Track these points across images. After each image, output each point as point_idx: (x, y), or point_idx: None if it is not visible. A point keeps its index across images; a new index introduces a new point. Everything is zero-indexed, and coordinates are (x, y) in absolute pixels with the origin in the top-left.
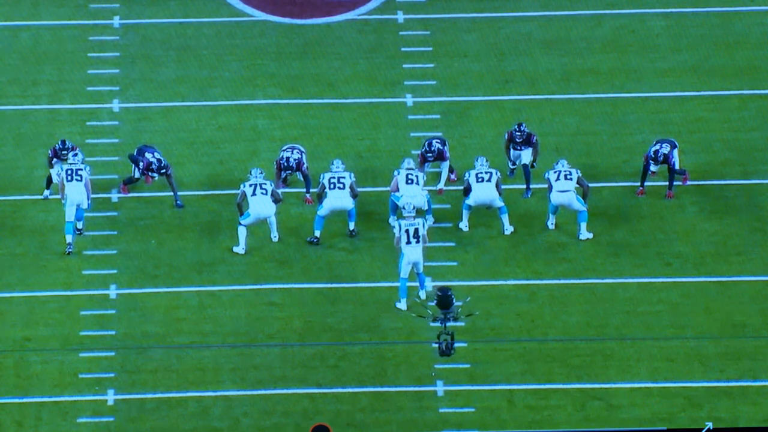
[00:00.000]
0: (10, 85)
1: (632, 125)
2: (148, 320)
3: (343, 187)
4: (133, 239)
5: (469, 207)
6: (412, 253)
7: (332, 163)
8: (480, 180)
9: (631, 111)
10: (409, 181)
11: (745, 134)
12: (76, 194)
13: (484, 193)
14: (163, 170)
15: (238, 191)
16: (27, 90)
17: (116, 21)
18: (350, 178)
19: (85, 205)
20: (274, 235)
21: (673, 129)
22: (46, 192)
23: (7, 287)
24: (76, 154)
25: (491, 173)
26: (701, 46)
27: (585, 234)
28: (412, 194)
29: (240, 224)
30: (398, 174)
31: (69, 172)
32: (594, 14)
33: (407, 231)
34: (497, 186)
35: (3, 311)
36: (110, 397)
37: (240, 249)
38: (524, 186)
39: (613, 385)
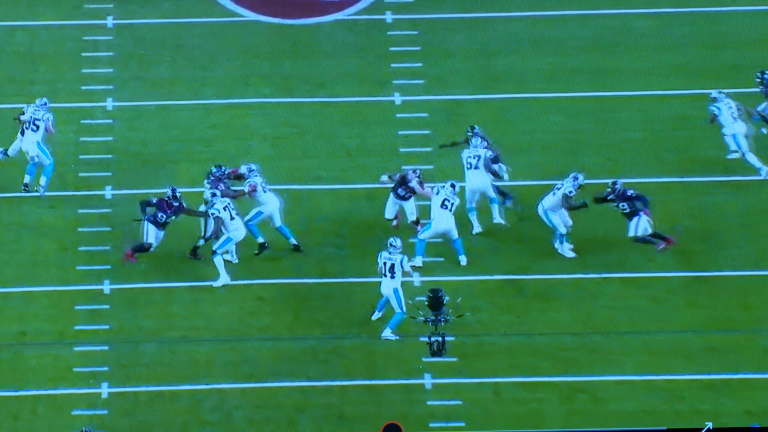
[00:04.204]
0: (7, 84)
1: (617, 123)
2: (141, 315)
3: (269, 189)
4: (127, 236)
5: (472, 208)
6: (385, 287)
7: (251, 170)
8: (469, 166)
9: (617, 109)
10: (444, 206)
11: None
12: (28, 144)
13: (475, 180)
14: (177, 199)
15: (214, 217)
16: (23, 89)
17: (110, 21)
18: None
19: (45, 160)
20: (234, 257)
21: (658, 127)
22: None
23: (4, 283)
24: (45, 104)
25: (479, 156)
26: (686, 45)
27: (566, 250)
28: (444, 219)
29: (216, 254)
30: (437, 193)
31: (30, 120)
32: (580, 14)
33: (384, 264)
34: (486, 167)
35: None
36: (104, 390)
37: (225, 279)
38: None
39: (599, 378)
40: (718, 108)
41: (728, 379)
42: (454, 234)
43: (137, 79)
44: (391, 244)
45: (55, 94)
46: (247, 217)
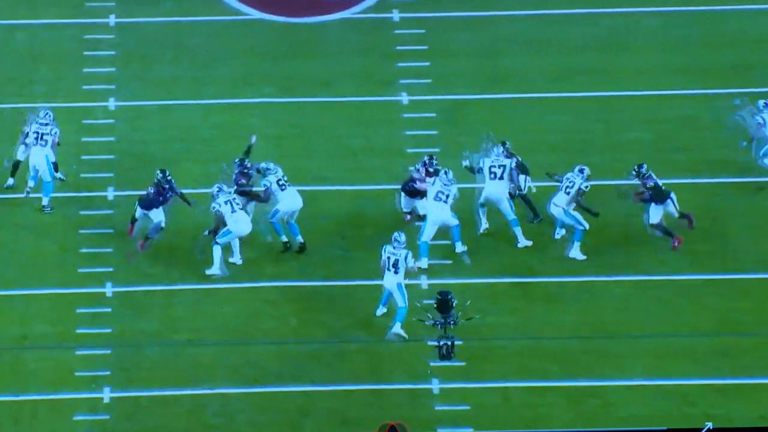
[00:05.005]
0: (7, 83)
1: (624, 124)
2: (143, 318)
3: (290, 185)
4: (129, 237)
5: (482, 205)
6: (388, 281)
7: (269, 168)
8: (493, 176)
9: (623, 109)
10: (438, 198)
11: (736, 133)
12: (36, 158)
13: (494, 190)
14: (167, 184)
15: (214, 212)
16: (23, 88)
17: (112, 19)
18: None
19: (47, 176)
20: (239, 258)
21: (665, 127)
22: (11, 180)
23: (4, 285)
24: (47, 114)
25: (504, 167)
26: (692, 45)
27: (575, 252)
28: (438, 212)
29: (216, 243)
30: (433, 184)
31: (36, 134)
32: (585, 13)
33: (388, 258)
34: (511, 177)
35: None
36: (106, 394)
37: (215, 270)
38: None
39: (608, 383)
40: (763, 118)
41: (740, 383)
42: (452, 222)
43: (139, 79)
44: (395, 239)
45: (56, 94)
46: (269, 216)
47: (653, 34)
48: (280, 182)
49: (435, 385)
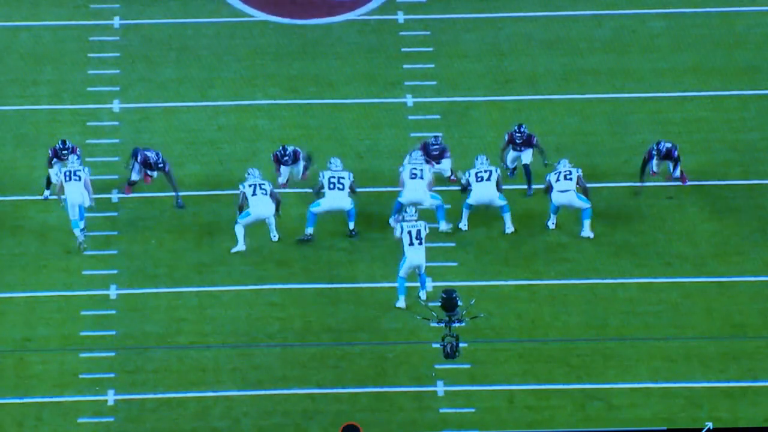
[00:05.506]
0: (10, 85)
1: (632, 125)
2: (148, 320)
3: (343, 188)
4: (134, 239)
5: (470, 206)
6: (416, 256)
7: (330, 162)
8: (480, 179)
9: (632, 111)
10: (413, 176)
11: (745, 135)
12: (75, 195)
13: (484, 192)
14: (161, 165)
15: (238, 192)
16: (27, 90)
17: (116, 21)
18: (350, 178)
19: (86, 204)
20: (274, 235)
21: (673, 129)
22: (46, 192)
23: (7, 287)
24: (78, 156)
25: (491, 171)
26: (701, 46)
27: (587, 232)
28: (415, 189)
29: (237, 223)
30: (403, 170)
31: (67, 173)
32: (594, 14)
33: (410, 232)
34: (497, 184)
35: (3, 311)
36: (110, 397)
37: (240, 247)
38: (525, 186)
39: (614, 386)
40: None
41: (746, 386)
42: (432, 202)
43: (144, 81)
44: (405, 211)
45: (60, 96)
46: (311, 205)
47: (660, 35)
48: (332, 180)
49: (440, 388)
